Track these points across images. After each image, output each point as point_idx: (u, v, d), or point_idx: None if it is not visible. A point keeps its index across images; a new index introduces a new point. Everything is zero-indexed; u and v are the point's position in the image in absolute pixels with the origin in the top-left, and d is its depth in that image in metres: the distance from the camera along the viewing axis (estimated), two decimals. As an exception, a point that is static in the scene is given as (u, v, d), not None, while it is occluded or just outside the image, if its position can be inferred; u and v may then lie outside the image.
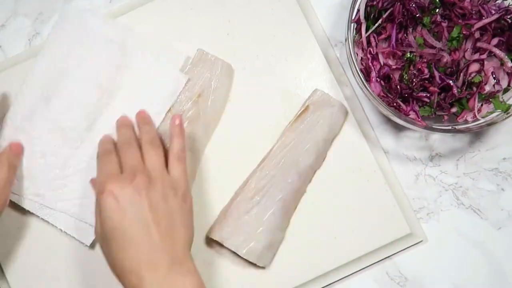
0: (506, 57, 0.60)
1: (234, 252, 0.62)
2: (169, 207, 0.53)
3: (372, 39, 0.62)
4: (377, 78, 0.61)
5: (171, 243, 0.52)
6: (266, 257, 0.62)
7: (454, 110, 0.61)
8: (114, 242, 0.52)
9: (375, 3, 0.61)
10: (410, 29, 0.61)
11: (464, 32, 0.60)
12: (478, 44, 0.60)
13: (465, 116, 0.61)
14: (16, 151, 0.62)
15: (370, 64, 0.62)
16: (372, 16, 0.62)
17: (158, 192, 0.53)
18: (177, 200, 0.55)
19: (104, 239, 0.53)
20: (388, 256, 0.64)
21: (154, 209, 0.52)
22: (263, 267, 0.63)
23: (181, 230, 0.54)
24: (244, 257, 0.61)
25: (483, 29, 0.60)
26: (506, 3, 0.62)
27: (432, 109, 0.61)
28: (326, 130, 0.63)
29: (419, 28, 0.61)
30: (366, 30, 0.62)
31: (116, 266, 0.52)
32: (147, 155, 0.56)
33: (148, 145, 0.57)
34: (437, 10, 0.62)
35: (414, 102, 0.61)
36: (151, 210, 0.52)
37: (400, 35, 0.61)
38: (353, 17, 0.61)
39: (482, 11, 0.60)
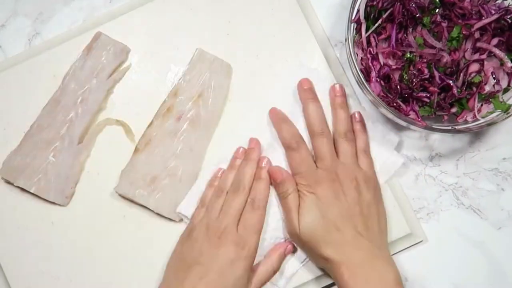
0: (506, 57, 0.60)
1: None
2: (365, 200, 0.59)
3: (372, 39, 0.62)
4: (377, 78, 0.61)
5: (371, 232, 0.57)
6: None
7: (454, 110, 0.61)
8: (318, 231, 0.57)
9: (375, 3, 0.61)
10: (410, 29, 0.61)
11: (464, 32, 0.60)
12: (478, 44, 0.60)
13: (465, 116, 0.61)
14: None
15: (370, 64, 0.62)
16: (372, 16, 0.62)
17: (356, 187, 0.59)
18: (371, 192, 0.59)
19: (306, 230, 0.57)
20: (388, 256, 0.64)
21: (353, 203, 0.58)
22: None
23: (378, 220, 0.59)
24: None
25: (483, 29, 0.60)
26: (506, 3, 0.62)
27: (432, 109, 0.61)
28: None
29: (419, 28, 0.61)
30: (366, 30, 0.62)
31: (319, 250, 0.57)
32: (341, 148, 0.61)
33: (343, 137, 0.61)
34: (437, 10, 0.62)
35: (414, 102, 0.61)
36: (350, 205, 0.58)
37: (400, 35, 0.61)
38: (353, 17, 0.61)
39: (482, 11, 0.60)
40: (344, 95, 0.64)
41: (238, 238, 0.58)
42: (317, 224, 0.57)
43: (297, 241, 0.60)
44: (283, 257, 0.61)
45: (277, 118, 0.63)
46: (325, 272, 0.62)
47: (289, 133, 0.62)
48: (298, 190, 0.59)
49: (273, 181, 0.61)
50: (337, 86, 0.64)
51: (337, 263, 0.56)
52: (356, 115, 0.64)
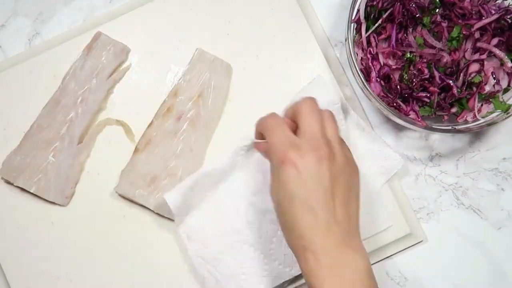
0: (506, 57, 0.60)
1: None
2: (346, 181, 0.52)
3: (372, 39, 0.62)
4: (377, 78, 0.61)
5: (347, 216, 0.51)
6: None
7: (454, 110, 0.61)
8: (291, 209, 0.50)
9: (375, 3, 0.61)
10: (410, 29, 0.61)
11: (464, 32, 0.60)
12: (478, 44, 0.60)
13: (465, 116, 0.61)
14: None
15: (370, 64, 0.62)
16: (372, 16, 0.62)
17: (338, 164, 0.51)
18: (352, 175, 0.53)
19: (281, 205, 0.51)
20: (388, 256, 0.64)
21: (333, 181, 0.50)
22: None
23: (355, 205, 0.53)
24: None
25: (483, 29, 0.60)
26: (506, 3, 0.62)
27: (432, 109, 0.61)
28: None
29: (419, 28, 0.61)
30: (366, 30, 0.62)
31: (290, 230, 0.50)
32: (326, 123, 0.53)
33: (328, 114, 0.54)
34: (437, 10, 0.62)
35: (414, 102, 0.61)
36: (331, 182, 0.50)
37: (400, 35, 0.61)
38: (353, 17, 0.61)
39: (482, 11, 0.60)
40: None
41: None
42: (292, 202, 0.50)
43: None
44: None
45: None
46: None
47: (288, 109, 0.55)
48: (274, 161, 0.52)
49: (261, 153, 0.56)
50: None
51: (303, 247, 0.49)
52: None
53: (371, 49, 0.62)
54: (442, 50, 0.60)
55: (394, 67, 0.61)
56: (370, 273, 0.50)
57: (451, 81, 0.59)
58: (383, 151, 0.64)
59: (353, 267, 0.49)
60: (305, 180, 0.50)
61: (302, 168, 0.50)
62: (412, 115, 0.61)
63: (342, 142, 0.54)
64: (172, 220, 0.64)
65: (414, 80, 0.60)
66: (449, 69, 0.60)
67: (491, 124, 0.59)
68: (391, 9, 0.61)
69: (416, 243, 0.64)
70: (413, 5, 0.60)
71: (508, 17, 0.60)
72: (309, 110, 0.53)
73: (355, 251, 0.50)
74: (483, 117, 0.61)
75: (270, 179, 0.52)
